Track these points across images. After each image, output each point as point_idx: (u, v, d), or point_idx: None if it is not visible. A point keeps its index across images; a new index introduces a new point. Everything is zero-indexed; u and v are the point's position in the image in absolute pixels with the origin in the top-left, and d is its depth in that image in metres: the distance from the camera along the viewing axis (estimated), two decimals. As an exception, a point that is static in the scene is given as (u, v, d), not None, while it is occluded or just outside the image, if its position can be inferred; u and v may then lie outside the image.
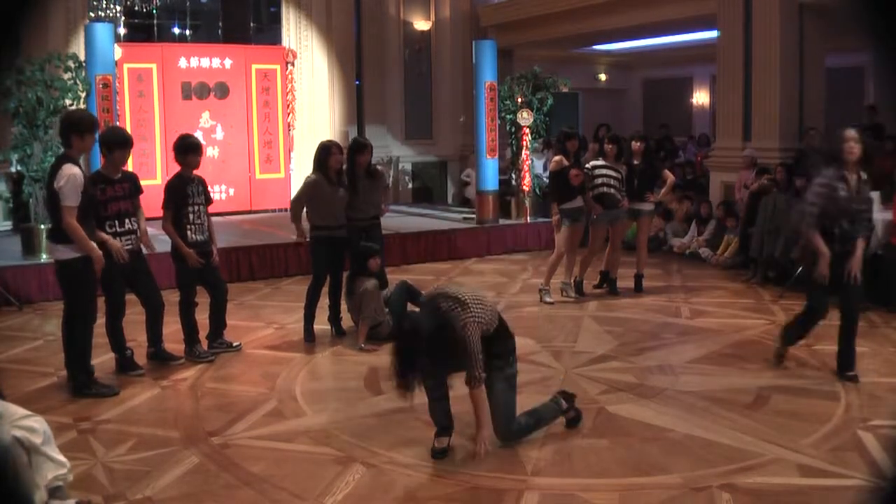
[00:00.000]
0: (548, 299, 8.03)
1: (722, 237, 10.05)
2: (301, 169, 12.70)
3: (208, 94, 12.78)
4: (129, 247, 5.77)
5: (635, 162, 8.44)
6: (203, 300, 6.37)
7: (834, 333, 6.76)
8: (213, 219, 6.56)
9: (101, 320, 5.77)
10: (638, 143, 8.49)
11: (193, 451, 4.53)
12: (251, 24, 15.32)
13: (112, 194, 5.71)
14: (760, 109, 10.73)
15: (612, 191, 8.15)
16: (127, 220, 5.79)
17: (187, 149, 6.16)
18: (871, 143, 11.10)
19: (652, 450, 4.46)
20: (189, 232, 6.12)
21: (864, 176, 5.44)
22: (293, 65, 13.58)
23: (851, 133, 5.32)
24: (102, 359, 6.01)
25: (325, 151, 6.75)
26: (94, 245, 5.32)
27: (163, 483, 4.13)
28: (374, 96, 14.56)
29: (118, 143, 5.73)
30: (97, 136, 5.63)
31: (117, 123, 10.17)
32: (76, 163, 5.31)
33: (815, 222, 5.31)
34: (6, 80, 8.32)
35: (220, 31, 14.95)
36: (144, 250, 6.05)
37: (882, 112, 12.77)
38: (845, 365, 5.65)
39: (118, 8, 13.00)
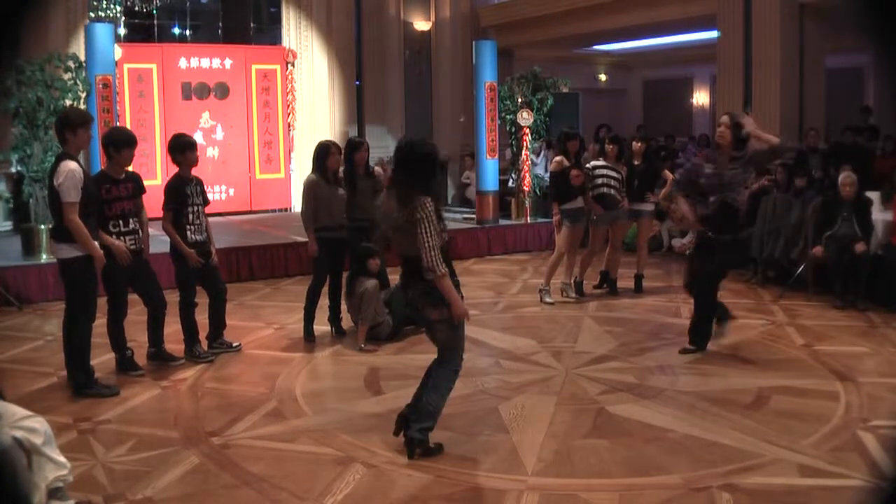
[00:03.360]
0: (548, 299, 8.03)
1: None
2: (301, 169, 12.71)
3: (208, 94, 12.79)
4: (133, 247, 5.78)
5: (636, 162, 8.45)
6: (203, 300, 6.37)
7: (834, 333, 6.79)
8: (213, 219, 6.57)
9: (101, 320, 5.77)
10: (639, 144, 8.50)
11: (193, 451, 4.53)
12: (251, 25, 15.30)
13: (116, 194, 5.71)
14: (760, 109, 10.74)
15: (612, 191, 8.15)
16: (131, 220, 5.79)
17: (184, 147, 6.16)
18: (866, 145, 11.16)
19: (652, 450, 4.46)
20: (189, 232, 6.13)
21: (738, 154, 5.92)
22: (293, 65, 13.59)
23: (724, 119, 5.92)
24: (102, 359, 6.01)
25: (324, 151, 6.75)
26: (96, 244, 5.32)
27: (163, 483, 4.13)
28: (374, 96, 14.56)
29: (125, 142, 5.74)
30: (95, 133, 5.63)
31: (118, 123, 10.17)
32: (75, 159, 5.32)
33: (681, 190, 6.18)
34: (6, 80, 8.32)
35: (220, 32, 14.93)
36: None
37: (881, 112, 12.79)
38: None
39: (118, 8, 12.97)
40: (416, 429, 4.36)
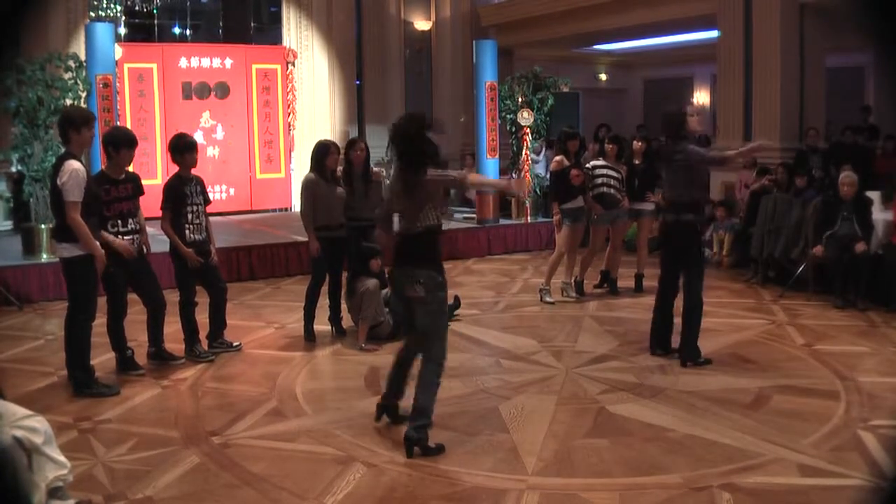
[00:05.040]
0: (548, 299, 8.03)
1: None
2: (301, 169, 12.68)
3: (209, 93, 12.78)
4: (132, 246, 5.78)
5: (636, 162, 8.45)
6: (203, 300, 6.37)
7: (834, 333, 6.80)
8: (214, 219, 6.57)
9: (101, 320, 5.77)
10: (639, 143, 8.50)
11: (194, 450, 4.53)
12: (251, 24, 15.32)
13: (115, 195, 5.72)
14: (761, 109, 10.74)
15: (612, 191, 8.15)
16: (130, 221, 5.79)
17: (184, 148, 6.17)
18: (866, 144, 11.16)
19: (652, 450, 4.46)
20: (188, 231, 6.13)
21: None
22: (293, 64, 13.58)
23: (692, 108, 6.06)
24: (103, 358, 6.01)
25: (323, 150, 6.76)
26: (97, 243, 5.33)
27: (163, 483, 4.13)
28: (374, 96, 14.56)
29: (124, 142, 5.74)
30: (96, 131, 5.64)
31: (118, 123, 10.17)
32: (78, 159, 5.33)
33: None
34: (7, 80, 8.32)
35: (220, 31, 14.95)
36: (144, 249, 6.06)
37: (881, 112, 12.79)
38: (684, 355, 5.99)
39: (119, 8, 12.98)
40: (412, 427, 4.40)
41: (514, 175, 12.21)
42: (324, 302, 6.93)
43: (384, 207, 4.81)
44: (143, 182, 6.13)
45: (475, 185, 4.68)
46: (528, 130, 11.78)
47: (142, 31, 14.33)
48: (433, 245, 4.44)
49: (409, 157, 4.46)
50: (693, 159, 5.88)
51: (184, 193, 6.12)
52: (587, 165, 8.24)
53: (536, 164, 12.29)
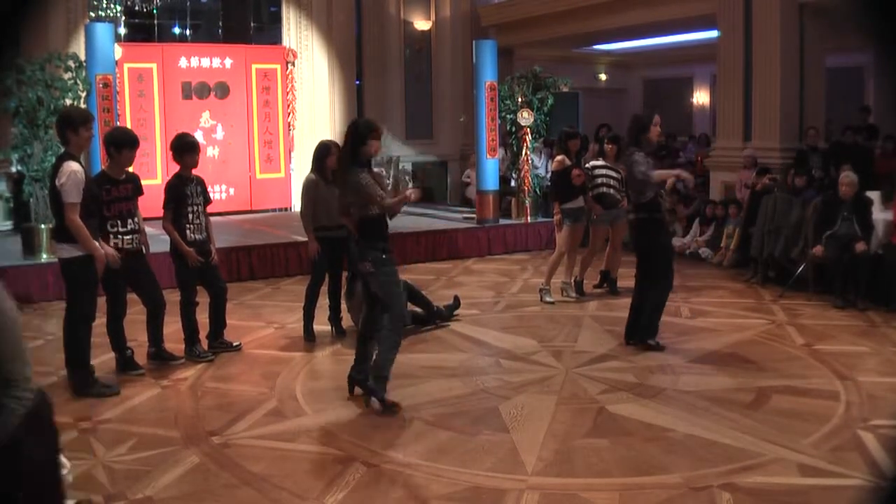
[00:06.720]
0: (548, 299, 8.03)
1: (721, 236, 10.02)
2: (301, 169, 12.70)
3: (209, 93, 12.78)
4: (130, 246, 5.79)
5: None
6: (203, 300, 6.37)
7: (834, 333, 6.80)
8: (214, 219, 6.56)
9: (101, 320, 5.77)
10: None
11: (194, 450, 4.53)
12: (251, 24, 15.33)
13: (116, 195, 5.72)
14: (761, 109, 10.73)
15: (612, 191, 8.16)
16: (130, 220, 5.79)
17: (184, 149, 6.17)
18: (866, 144, 11.17)
19: (652, 450, 4.46)
20: (188, 231, 6.13)
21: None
22: (293, 64, 13.59)
23: (658, 119, 6.31)
24: (103, 358, 6.01)
25: (324, 151, 6.76)
26: (97, 244, 5.32)
27: (163, 482, 4.13)
28: (374, 96, 14.56)
29: (126, 142, 5.74)
30: (96, 131, 5.64)
31: (118, 123, 10.17)
32: (77, 160, 5.33)
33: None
34: (6, 80, 8.31)
35: (220, 31, 14.96)
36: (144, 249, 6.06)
37: (881, 112, 12.79)
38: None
39: (118, 8, 12.98)
40: (370, 375, 5.09)
41: (513, 175, 12.22)
42: (323, 302, 6.94)
43: (340, 200, 5.42)
44: (143, 182, 6.14)
45: (394, 207, 5.19)
46: (528, 130, 11.77)
47: (142, 31, 14.34)
48: (379, 228, 5.12)
49: (344, 157, 5.20)
50: (629, 167, 6.22)
51: (184, 193, 6.12)
52: (587, 165, 8.24)
53: (537, 168, 12.29)
